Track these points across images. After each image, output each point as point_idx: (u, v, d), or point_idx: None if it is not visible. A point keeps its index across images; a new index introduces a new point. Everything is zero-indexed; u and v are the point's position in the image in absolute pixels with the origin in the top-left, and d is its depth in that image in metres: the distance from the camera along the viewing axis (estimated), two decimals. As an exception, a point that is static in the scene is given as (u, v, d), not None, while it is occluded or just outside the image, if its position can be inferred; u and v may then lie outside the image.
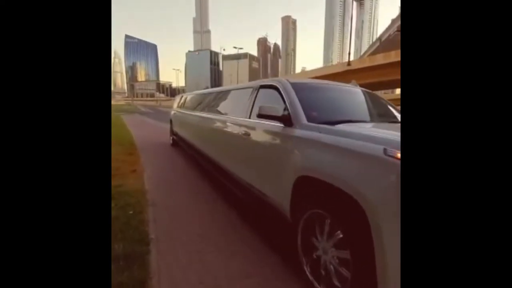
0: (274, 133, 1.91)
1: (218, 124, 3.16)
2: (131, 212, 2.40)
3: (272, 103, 2.14)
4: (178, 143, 6.16)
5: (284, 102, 1.93)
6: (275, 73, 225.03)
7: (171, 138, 6.70)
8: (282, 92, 2.00)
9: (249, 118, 2.36)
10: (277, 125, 1.89)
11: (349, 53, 27.05)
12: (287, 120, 1.79)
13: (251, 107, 2.42)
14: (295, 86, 2.01)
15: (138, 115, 23.30)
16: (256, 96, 2.42)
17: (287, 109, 1.84)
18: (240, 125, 2.46)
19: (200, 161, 3.87)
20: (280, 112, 1.81)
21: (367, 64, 24.98)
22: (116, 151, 5.52)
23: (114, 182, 3.39)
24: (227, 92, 3.39)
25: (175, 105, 7.06)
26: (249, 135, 2.25)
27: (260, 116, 1.88)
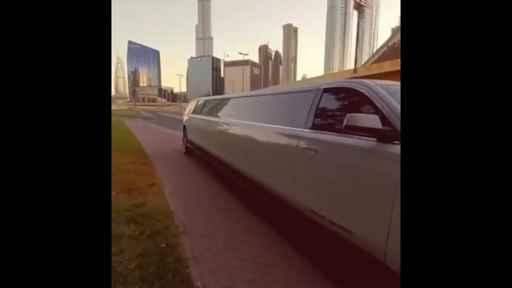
0: (364, 151, 1.45)
1: (257, 134, 2.69)
2: (163, 246, 1.91)
3: (346, 111, 1.69)
4: (194, 151, 5.69)
5: (376, 110, 1.47)
6: (276, 80, 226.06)
7: (185, 146, 6.23)
8: (371, 98, 1.54)
9: (312, 129, 1.90)
10: (365, 140, 1.44)
11: (355, 60, 26.85)
12: (389, 134, 1.34)
13: (313, 115, 1.96)
14: (388, 89, 1.55)
15: (141, 120, 22.97)
16: (319, 102, 1.96)
17: (387, 120, 1.39)
18: (298, 137, 1.99)
19: (230, 176, 3.38)
20: (379, 123, 1.36)
21: (374, 71, 24.67)
22: (127, 160, 5.06)
23: (133, 200, 2.91)
24: (266, 96, 2.94)
25: (187, 111, 6.62)
26: (316, 151, 1.79)
27: (349, 128, 1.42)
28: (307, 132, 1.92)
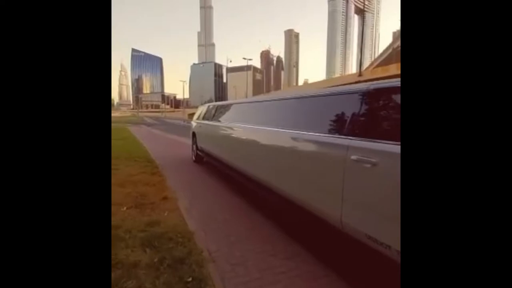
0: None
1: (289, 142, 2.39)
2: (189, 279, 1.59)
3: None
4: (204, 159, 5.40)
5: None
6: (278, 85, 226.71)
7: (194, 153, 5.94)
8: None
9: (368, 137, 1.58)
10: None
11: (361, 64, 26.65)
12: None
13: (366, 121, 1.65)
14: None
15: (145, 127, 22.92)
16: (372, 106, 1.65)
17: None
18: (346, 147, 1.68)
19: (254, 189, 3.06)
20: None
21: (379, 74, 24.38)
22: (135, 170, 4.78)
23: (145, 216, 2.60)
24: (296, 100, 2.64)
25: (196, 117, 6.35)
26: (374, 164, 1.47)
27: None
28: (360, 141, 1.61)
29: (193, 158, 6.03)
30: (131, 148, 7.93)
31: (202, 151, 5.45)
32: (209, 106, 5.71)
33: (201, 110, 6.29)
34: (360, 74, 25.53)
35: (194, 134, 6.05)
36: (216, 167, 4.60)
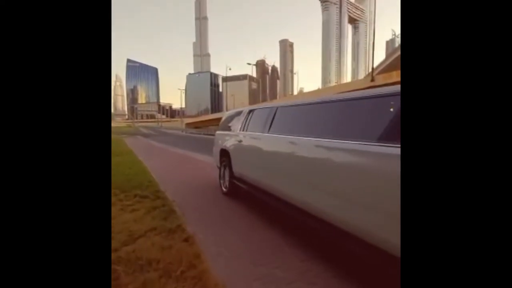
0: None
1: None
2: None
3: None
4: (241, 190, 3.43)
5: None
6: (273, 94, 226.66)
7: (226, 181, 3.96)
8: None
9: None
10: None
11: (372, 69, 25.28)
12: None
13: None
14: None
15: (142, 138, 20.92)
16: None
17: None
18: None
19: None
20: None
21: (394, 79, 22.89)
22: (139, 219, 2.77)
23: None
24: None
25: (225, 127, 4.42)
26: None
27: None
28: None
29: (223, 188, 4.05)
30: (129, 170, 5.89)
31: (241, 179, 3.50)
32: (251, 110, 3.71)
33: (231, 115, 4.36)
34: (372, 79, 24.09)
35: (224, 153, 4.06)
36: (265, 204, 2.61)
